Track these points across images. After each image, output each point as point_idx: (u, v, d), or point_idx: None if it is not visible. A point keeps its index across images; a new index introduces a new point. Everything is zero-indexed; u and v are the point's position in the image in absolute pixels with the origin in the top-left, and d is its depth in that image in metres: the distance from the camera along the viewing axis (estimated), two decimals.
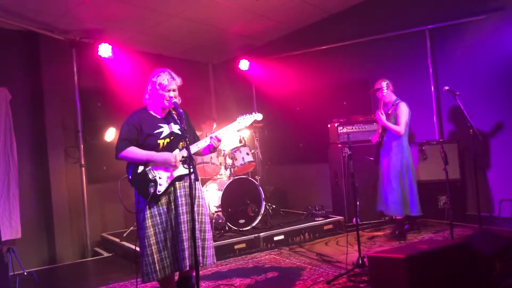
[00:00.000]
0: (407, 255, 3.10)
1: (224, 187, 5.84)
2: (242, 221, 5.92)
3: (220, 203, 5.79)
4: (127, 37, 6.88)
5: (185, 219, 3.38)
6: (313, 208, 6.60)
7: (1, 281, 4.51)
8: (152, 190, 3.34)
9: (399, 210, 5.33)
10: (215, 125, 6.80)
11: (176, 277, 3.66)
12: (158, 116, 3.50)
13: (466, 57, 6.13)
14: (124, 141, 3.38)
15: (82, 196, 6.56)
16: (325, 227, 6.15)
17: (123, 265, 5.48)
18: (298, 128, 7.91)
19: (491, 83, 5.91)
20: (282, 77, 7.87)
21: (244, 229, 5.86)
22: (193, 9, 6.15)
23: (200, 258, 3.40)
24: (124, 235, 6.21)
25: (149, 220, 3.35)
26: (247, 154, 6.25)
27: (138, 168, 3.41)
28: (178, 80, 3.50)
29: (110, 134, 6.70)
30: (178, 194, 3.40)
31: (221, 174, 6.50)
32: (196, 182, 3.43)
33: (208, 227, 3.54)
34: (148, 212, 3.35)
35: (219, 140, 3.57)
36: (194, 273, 3.14)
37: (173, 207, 3.40)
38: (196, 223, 3.42)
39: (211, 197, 6.08)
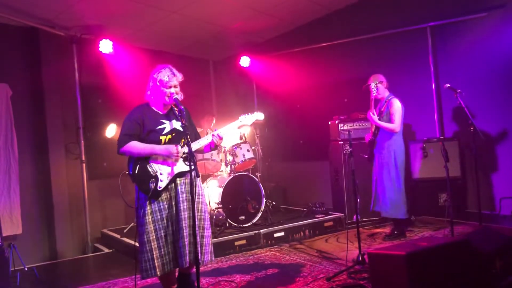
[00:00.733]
0: (407, 252, 3.10)
1: (225, 183, 5.84)
2: (242, 217, 5.92)
3: (220, 199, 5.80)
4: (128, 33, 6.87)
5: (186, 216, 3.38)
6: (313, 205, 6.60)
7: (2, 276, 4.53)
8: (153, 186, 3.33)
9: (397, 211, 5.26)
10: (214, 121, 6.81)
11: (176, 273, 3.66)
12: (160, 112, 3.50)
13: (467, 54, 6.12)
14: (125, 136, 3.37)
15: (82, 192, 6.57)
16: (325, 224, 6.16)
17: (123, 261, 5.49)
18: (298, 125, 7.91)
19: (492, 81, 5.91)
20: (283, 74, 7.86)
21: (244, 225, 5.87)
22: (194, 5, 6.14)
23: (199, 255, 3.38)
24: (125, 231, 6.22)
25: (149, 216, 3.34)
26: (248, 151, 6.26)
27: (139, 163, 3.40)
28: (179, 76, 3.49)
29: (111, 131, 6.70)
30: (179, 190, 3.40)
31: (221, 171, 6.51)
32: (197, 179, 3.42)
33: (207, 224, 3.54)
34: (148, 208, 3.35)
35: (220, 138, 3.58)
36: (194, 270, 3.15)
37: (173, 203, 3.40)
38: (197, 220, 3.43)
39: (211, 193, 6.09)
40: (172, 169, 3.42)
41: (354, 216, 5.11)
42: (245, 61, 7.94)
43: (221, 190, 5.83)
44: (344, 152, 6.23)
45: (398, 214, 5.26)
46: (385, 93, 5.38)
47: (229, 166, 6.25)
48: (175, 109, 3.50)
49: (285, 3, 6.53)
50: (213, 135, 3.55)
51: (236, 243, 5.45)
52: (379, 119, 5.27)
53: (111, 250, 6.24)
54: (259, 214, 6.03)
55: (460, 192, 6.06)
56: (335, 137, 6.48)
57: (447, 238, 4.58)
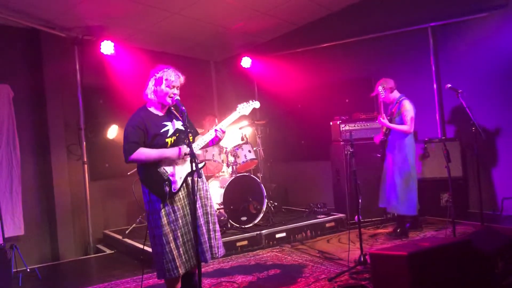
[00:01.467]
0: (409, 252, 3.10)
1: (226, 184, 5.84)
2: (244, 218, 5.92)
3: (222, 200, 5.80)
4: (129, 34, 6.88)
5: (201, 213, 3.48)
6: (315, 205, 6.60)
7: (4, 277, 4.54)
8: (167, 188, 3.34)
9: (399, 207, 5.34)
10: (216, 121, 6.81)
11: None
12: (160, 114, 3.50)
13: (468, 54, 6.11)
14: (132, 144, 3.33)
15: (84, 193, 6.58)
16: (327, 225, 6.16)
17: (125, 262, 5.50)
18: (300, 125, 7.91)
19: (493, 81, 5.90)
20: (284, 74, 7.86)
21: (246, 226, 5.87)
22: (195, 6, 6.14)
23: (216, 249, 3.53)
24: (127, 232, 6.22)
25: (165, 218, 3.35)
26: (249, 151, 6.26)
27: (150, 168, 3.39)
28: (182, 78, 3.51)
29: (113, 132, 6.71)
30: (191, 189, 3.41)
31: (223, 172, 6.51)
32: (202, 176, 3.43)
33: (216, 219, 3.63)
34: (163, 210, 3.35)
35: (223, 132, 3.66)
36: (197, 270, 3.16)
37: (187, 202, 3.42)
38: (209, 216, 3.53)
39: (213, 194, 6.07)
40: (182, 170, 3.44)
41: (356, 217, 5.11)
42: (246, 62, 7.94)
43: (222, 191, 5.83)
44: (345, 152, 6.22)
45: (404, 211, 5.32)
46: (395, 95, 5.45)
47: (230, 167, 6.25)
48: (172, 109, 3.52)
49: (286, 3, 6.54)
50: (216, 129, 3.60)
51: (238, 243, 5.45)
52: (391, 121, 5.36)
53: (113, 251, 6.25)
54: (261, 215, 6.03)
55: (462, 192, 6.05)
56: (336, 137, 6.48)
57: (449, 238, 4.58)
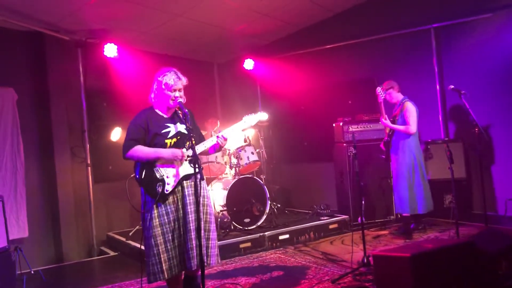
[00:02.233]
0: (412, 254, 3.10)
1: (229, 186, 5.85)
2: (247, 220, 5.93)
3: (225, 202, 5.81)
4: (133, 37, 6.91)
5: (193, 218, 3.39)
6: (318, 207, 6.61)
7: (8, 279, 4.56)
8: (160, 189, 3.34)
9: (404, 207, 5.39)
10: (218, 124, 6.82)
11: (182, 276, 3.67)
12: (165, 116, 3.51)
13: (471, 55, 6.11)
14: (130, 141, 3.38)
15: (88, 195, 6.60)
16: (330, 226, 6.15)
17: (129, 264, 5.51)
18: (303, 127, 7.91)
19: (496, 82, 5.89)
20: (287, 76, 7.87)
21: (249, 228, 5.87)
22: (198, 8, 6.16)
23: (205, 257, 3.40)
24: (130, 234, 6.24)
25: (156, 220, 3.34)
26: (252, 153, 6.26)
27: (145, 167, 3.40)
28: (184, 80, 3.50)
29: (116, 134, 6.72)
30: (186, 193, 3.41)
31: (226, 173, 6.52)
32: (202, 181, 3.43)
33: (213, 226, 3.55)
34: (155, 211, 3.35)
35: (225, 139, 3.60)
36: (200, 273, 3.16)
37: (180, 206, 3.41)
38: (203, 223, 3.44)
39: (216, 196, 6.10)
40: (178, 172, 3.43)
41: (359, 218, 5.11)
42: (249, 64, 7.95)
43: (225, 192, 5.84)
44: (348, 154, 6.23)
45: (405, 210, 5.39)
46: (398, 97, 5.54)
47: (233, 169, 6.26)
48: (179, 112, 3.52)
49: (289, 5, 6.55)
50: (217, 136, 3.57)
51: (241, 245, 5.45)
52: (394, 123, 5.44)
53: (116, 253, 6.26)
54: (264, 217, 6.03)
55: (465, 193, 6.05)
56: (339, 139, 6.48)
57: (452, 240, 4.57)
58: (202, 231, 3.40)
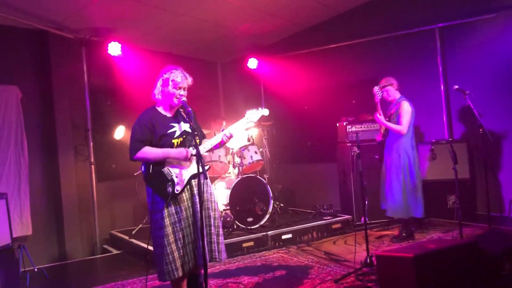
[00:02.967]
0: (415, 254, 3.10)
1: (233, 185, 5.85)
2: (250, 219, 5.93)
3: (228, 201, 5.81)
4: (137, 35, 6.92)
5: (203, 216, 3.41)
6: (321, 207, 6.60)
7: (12, 277, 4.58)
8: (170, 189, 3.35)
9: (400, 211, 5.26)
10: (224, 124, 6.82)
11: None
12: (168, 115, 3.51)
13: (476, 55, 6.08)
14: (137, 143, 3.36)
15: (91, 193, 6.62)
16: (333, 226, 6.15)
17: (131, 263, 5.52)
18: (306, 127, 7.91)
19: (501, 82, 5.86)
20: (291, 75, 7.86)
21: (252, 227, 5.87)
22: (202, 8, 6.17)
23: (216, 253, 3.47)
24: (133, 232, 6.24)
25: (167, 219, 3.36)
26: (256, 152, 6.26)
27: (154, 168, 3.40)
28: (190, 80, 3.51)
29: (120, 133, 6.74)
30: (195, 192, 3.43)
31: (229, 173, 6.52)
32: (207, 180, 3.43)
33: (220, 222, 3.62)
34: (165, 211, 3.36)
35: (231, 136, 3.64)
36: (202, 271, 3.17)
37: (190, 204, 3.43)
38: (212, 219, 3.50)
39: (219, 195, 6.10)
40: (186, 172, 3.44)
41: (362, 218, 5.10)
42: (253, 63, 7.95)
43: (228, 191, 5.84)
44: (352, 153, 6.21)
45: (402, 214, 5.27)
46: (395, 95, 5.39)
47: (236, 168, 6.26)
48: (181, 110, 3.52)
49: (293, 5, 6.54)
50: (225, 134, 3.60)
51: (244, 244, 5.46)
52: (389, 121, 5.30)
53: (119, 252, 6.27)
54: (267, 216, 6.03)
55: (469, 194, 6.02)
56: (343, 138, 6.47)
57: (455, 240, 4.56)
58: (212, 228, 3.47)
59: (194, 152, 3.35)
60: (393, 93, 5.36)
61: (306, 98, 7.79)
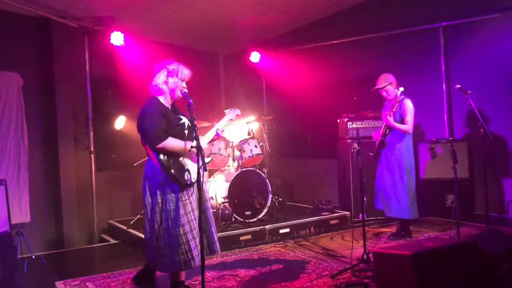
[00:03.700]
0: (412, 252, 3.10)
1: (232, 178, 5.86)
2: (248, 212, 5.94)
3: (227, 194, 5.82)
4: (139, 26, 6.89)
5: (209, 206, 3.63)
6: (319, 202, 6.60)
7: (10, 263, 4.59)
8: (187, 178, 3.43)
9: (405, 212, 5.22)
10: None
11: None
12: (168, 107, 3.54)
13: (480, 55, 6.07)
14: (160, 131, 3.38)
15: (90, 182, 6.61)
16: (331, 222, 6.16)
17: (129, 253, 5.53)
18: (307, 122, 7.89)
19: (504, 83, 5.86)
20: (293, 70, 7.84)
21: (250, 220, 5.88)
22: (206, 0, 6.14)
23: (217, 244, 3.66)
24: (131, 222, 6.25)
25: (182, 209, 3.41)
26: (255, 146, 6.26)
27: (173, 157, 3.44)
28: (189, 74, 3.61)
29: (120, 123, 6.72)
30: (197, 182, 3.46)
31: (228, 166, 6.53)
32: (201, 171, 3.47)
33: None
34: (181, 201, 3.42)
35: (222, 131, 3.82)
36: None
37: (197, 196, 3.48)
38: (210, 211, 3.68)
39: (218, 188, 6.11)
40: (194, 164, 3.52)
41: (360, 215, 5.10)
42: (255, 57, 7.92)
43: (227, 184, 5.84)
44: (352, 150, 6.22)
45: (407, 215, 5.23)
46: (397, 93, 5.30)
47: (236, 161, 6.26)
48: (175, 104, 3.64)
49: None
50: (218, 129, 3.74)
51: (242, 238, 5.47)
52: (394, 119, 5.25)
53: (117, 241, 6.29)
54: (265, 210, 6.04)
55: (468, 193, 6.03)
56: (343, 135, 6.47)
57: (453, 239, 4.56)
58: (211, 219, 3.66)
59: (194, 144, 3.37)
60: (393, 91, 5.29)
61: (308, 93, 7.77)
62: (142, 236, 5.39)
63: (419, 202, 5.31)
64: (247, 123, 6.82)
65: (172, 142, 3.41)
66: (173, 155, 3.45)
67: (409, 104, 5.18)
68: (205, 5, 6.35)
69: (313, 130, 7.85)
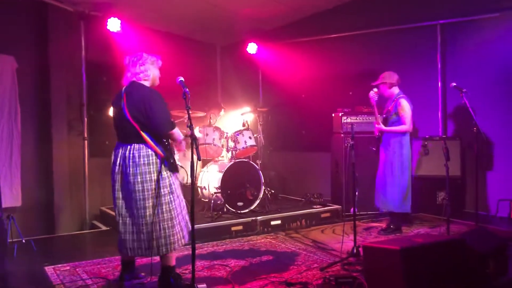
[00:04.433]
0: (401, 247, 3.12)
1: (225, 169, 5.86)
2: (240, 203, 5.95)
3: (219, 184, 5.82)
4: (137, 13, 6.83)
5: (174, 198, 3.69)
6: (311, 195, 6.64)
7: (0, 247, 4.57)
8: (178, 165, 3.61)
9: (391, 205, 5.31)
10: (223, 111, 6.81)
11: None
12: None
13: (476, 54, 6.09)
14: (171, 119, 3.58)
15: (83, 169, 6.59)
16: (323, 215, 6.20)
17: None
18: (302, 115, 7.89)
19: (499, 83, 5.89)
20: (290, 63, 7.83)
21: (242, 211, 5.90)
22: None
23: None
24: None
25: (175, 193, 3.57)
26: (250, 138, 6.27)
27: (169, 146, 3.57)
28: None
29: None
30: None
31: (222, 156, 6.53)
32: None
33: None
34: (173, 185, 3.56)
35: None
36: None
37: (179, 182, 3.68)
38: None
39: (211, 178, 6.11)
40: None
41: (352, 209, 5.13)
42: (252, 48, 7.89)
43: (221, 175, 5.85)
44: (345, 144, 6.24)
45: (394, 207, 5.31)
46: (394, 91, 5.37)
47: (230, 152, 6.26)
48: None
49: None
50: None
51: (233, 228, 5.50)
52: (387, 119, 5.34)
53: (108, 228, 6.28)
54: (257, 201, 6.06)
55: (459, 191, 6.08)
56: (337, 129, 6.48)
57: (442, 236, 4.60)
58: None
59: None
60: (392, 89, 5.36)
61: (304, 86, 7.77)
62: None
63: (411, 199, 5.36)
64: (242, 114, 6.81)
65: (178, 131, 3.61)
66: (168, 143, 3.57)
67: (404, 103, 5.23)
68: None
69: (308, 123, 7.85)
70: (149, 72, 3.60)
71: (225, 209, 5.85)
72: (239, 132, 6.26)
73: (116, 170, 3.59)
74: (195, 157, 3.21)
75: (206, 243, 5.07)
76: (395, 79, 5.36)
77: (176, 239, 3.53)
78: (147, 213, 3.47)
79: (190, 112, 3.36)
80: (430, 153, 6.13)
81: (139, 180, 3.46)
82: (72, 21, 6.48)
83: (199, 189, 6.41)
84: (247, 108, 6.92)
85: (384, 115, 5.41)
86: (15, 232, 5.15)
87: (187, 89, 3.37)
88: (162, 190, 3.48)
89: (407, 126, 5.21)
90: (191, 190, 3.26)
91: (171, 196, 3.52)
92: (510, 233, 4.98)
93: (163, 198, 3.49)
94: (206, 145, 6.21)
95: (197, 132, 6.13)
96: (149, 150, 3.47)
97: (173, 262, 3.62)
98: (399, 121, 5.25)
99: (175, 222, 3.53)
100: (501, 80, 5.86)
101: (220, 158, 6.53)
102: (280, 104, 8.03)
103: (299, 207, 6.43)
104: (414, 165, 6.19)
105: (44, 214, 6.29)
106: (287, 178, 8.14)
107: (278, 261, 4.38)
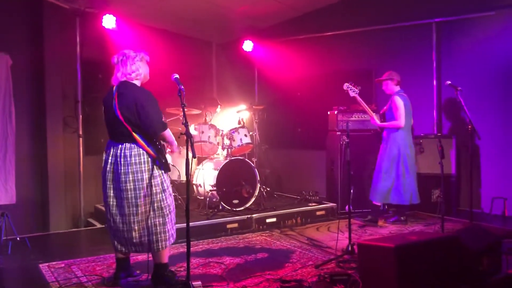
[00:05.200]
0: (396, 244, 3.14)
1: (220, 166, 5.86)
2: (236, 201, 5.96)
3: (215, 182, 5.82)
4: (132, 10, 6.80)
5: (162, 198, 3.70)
6: (307, 193, 6.65)
7: None
8: (170, 164, 3.69)
9: (374, 194, 5.58)
10: (219, 108, 6.80)
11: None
12: None
13: (472, 53, 6.11)
14: (163, 120, 3.60)
15: (78, 166, 6.56)
16: (318, 213, 6.21)
17: None
18: (297, 113, 7.90)
19: (494, 81, 5.91)
20: (285, 61, 7.82)
21: (237, 209, 5.90)
22: None
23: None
24: None
25: (167, 192, 3.59)
26: (245, 135, 6.26)
27: (159, 146, 3.59)
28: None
29: None
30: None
31: (218, 154, 6.52)
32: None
33: None
34: (165, 184, 3.58)
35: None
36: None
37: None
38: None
39: (206, 176, 6.11)
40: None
41: (347, 207, 5.15)
42: (248, 45, 7.88)
43: (216, 173, 5.85)
44: (341, 142, 6.25)
45: (373, 198, 5.59)
46: (395, 89, 5.62)
47: (225, 150, 6.26)
48: None
49: None
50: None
51: (228, 226, 5.50)
52: (386, 114, 5.63)
53: (103, 226, 6.26)
54: (253, 199, 6.06)
55: (453, 189, 6.11)
56: (333, 127, 6.49)
57: (436, 234, 4.63)
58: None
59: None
60: (392, 87, 5.62)
61: (300, 84, 7.76)
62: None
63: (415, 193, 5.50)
64: (238, 112, 6.81)
65: (169, 131, 3.63)
66: (159, 143, 3.61)
67: (397, 100, 5.49)
68: None
69: (304, 121, 7.86)
70: (140, 71, 3.62)
71: (220, 207, 5.85)
72: (235, 129, 6.26)
73: (108, 168, 3.55)
74: (190, 154, 3.20)
75: (201, 241, 5.08)
76: (399, 78, 5.65)
77: (168, 236, 3.56)
78: (139, 211, 3.48)
79: (185, 109, 3.36)
80: (425, 151, 6.16)
81: (130, 178, 3.46)
82: (67, 18, 6.44)
83: (194, 187, 6.40)
84: (242, 106, 6.91)
85: (382, 113, 5.68)
86: (9, 230, 5.12)
87: (182, 87, 3.37)
88: (154, 189, 3.50)
89: (398, 121, 5.43)
90: (186, 188, 3.26)
91: (163, 194, 3.54)
92: (504, 230, 5.01)
93: (155, 196, 3.50)
94: (202, 143, 6.20)
95: (192, 130, 6.13)
96: (141, 149, 3.49)
97: (165, 260, 3.62)
98: (392, 118, 5.51)
99: (167, 220, 3.55)
100: (496, 78, 5.89)
101: (215, 156, 6.53)
102: (276, 102, 8.03)
103: (294, 204, 6.44)
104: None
105: (38, 211, 6.27)
106: (283, 176, 8.15)
107: (273, 258, 4.39)
